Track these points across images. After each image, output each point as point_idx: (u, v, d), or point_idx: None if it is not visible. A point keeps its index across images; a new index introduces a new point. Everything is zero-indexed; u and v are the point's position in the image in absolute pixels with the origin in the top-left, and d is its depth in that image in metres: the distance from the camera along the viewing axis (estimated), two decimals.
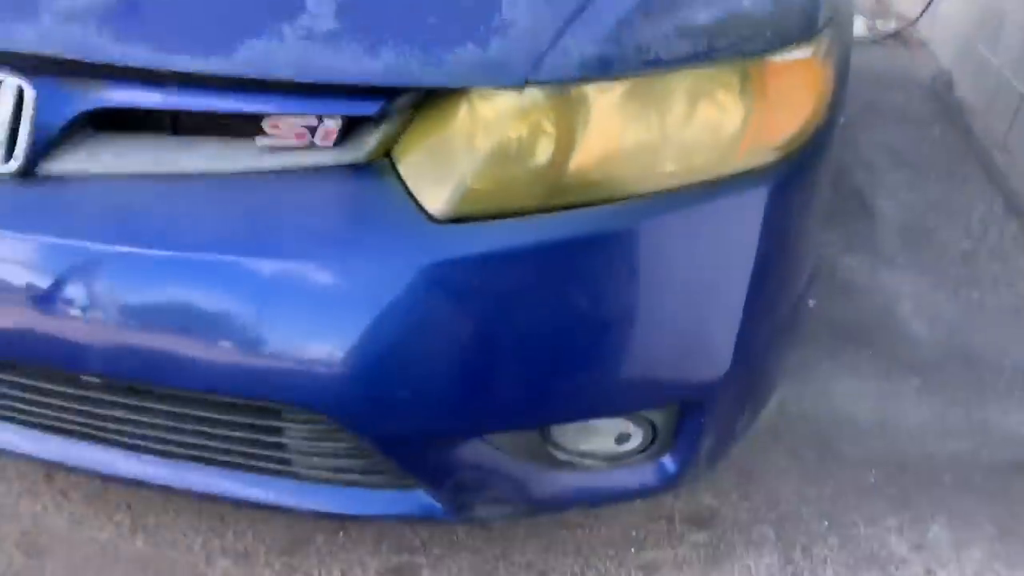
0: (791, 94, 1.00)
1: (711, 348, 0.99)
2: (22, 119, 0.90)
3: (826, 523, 1.42)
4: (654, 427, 1.03)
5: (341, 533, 1.30)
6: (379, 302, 0.85)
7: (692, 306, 0.97)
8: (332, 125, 0.90)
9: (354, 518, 1.08)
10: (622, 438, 1.03)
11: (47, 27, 0.90)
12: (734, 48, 0.95)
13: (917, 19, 5.08)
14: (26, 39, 0.90)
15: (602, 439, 1.03)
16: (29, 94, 0.90)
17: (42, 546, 1.25)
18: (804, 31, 1.03)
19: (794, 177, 1.00)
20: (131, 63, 0.89)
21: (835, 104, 1.11)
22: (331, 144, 0.90)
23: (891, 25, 5.40)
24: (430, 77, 0.87)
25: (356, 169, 0.90)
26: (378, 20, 0.89)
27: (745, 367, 1.04)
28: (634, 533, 1.36)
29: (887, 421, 1.68)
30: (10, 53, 0.90)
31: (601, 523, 1.37)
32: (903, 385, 1.79)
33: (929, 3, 5.00)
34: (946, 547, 1.39)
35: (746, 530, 1.39)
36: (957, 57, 4.34)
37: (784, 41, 1.00)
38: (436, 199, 0.88)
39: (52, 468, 1.27)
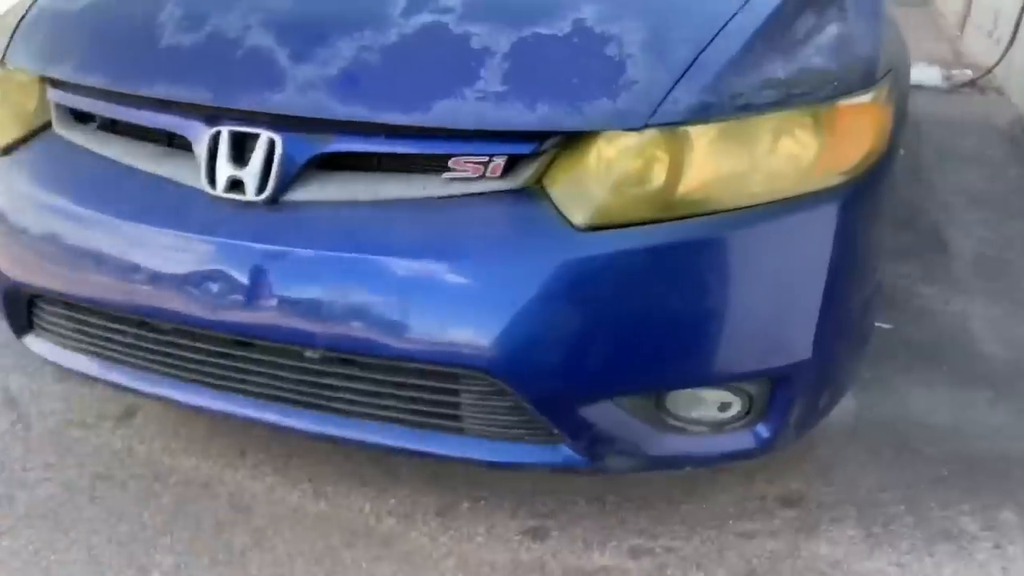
0: (855, 131, 1.25)
1: (795, 331, 1.23)
2: (273, 162, 1.23)
3: (903, 506, 1.60)
4: (751, 398, 1.27)
5: (483, 502, 1.57)
6: (537, 290, 1.14)
7: (778, 297, 1.22)
8: (499, 161, 1.20)
9: (511, 466, 1.33)
10: (724, 407, 1.27)
11: (290, 95, 1.24)
12: (807, 96, 1.22)
13: (993, 68, 5.22)
14: (276, 103, 1.24)
15: (706, 408, 1.27)
16: (278, 143, 1.23)
17: (246, 504, 1.55)
18: (864, 81, 1.29)
19: (859, 196, 1.25)
20: (352, 119, 1.21)
21: (894, 138, 1.35)
22: (498, 175, 1.20)
23: (967, 74, 5.54)
24: (572, 123, 1.17)
25: (517, 193, 1.20)
26: (531, 83, 1.19)
27: (823, 350, 1.27)
28: (732, 509, 1.58)
29: (960, 426, 1.85)
30: (265, 114, 1.24)
31: (703, 501, 1.59)
32: (976, 396, 1.96)
33: (1005, 52, 5.13)
34: (1015, 528, 1.56)
35: (830, 509, 1.59)
36: None
37: (848, 89, 1.26)
38: (578, 214, 1.16)
39: (274, 432, 1.52)
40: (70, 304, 1.40)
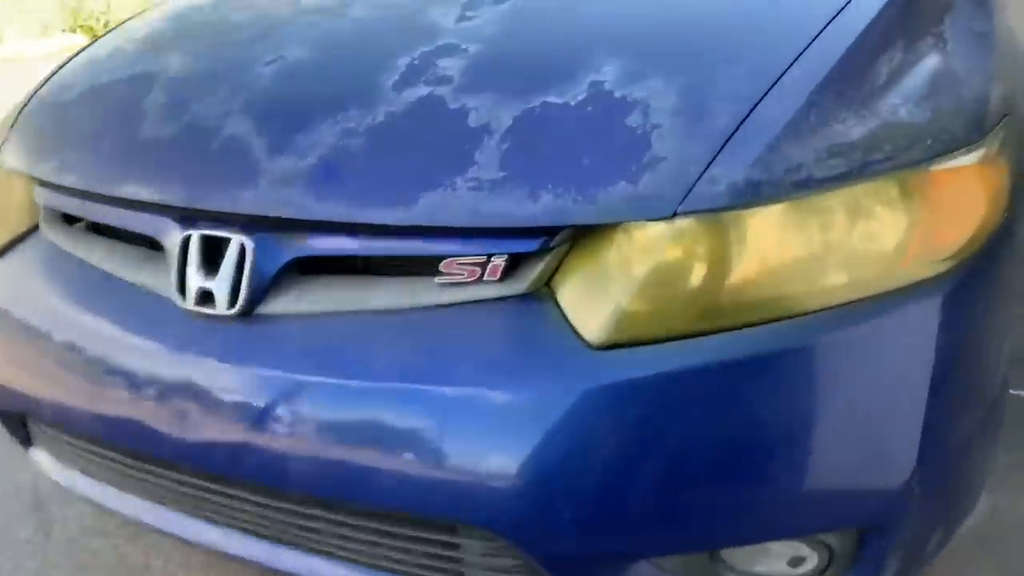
0: (958, 202, 0.97)
1: (887, 470, 0.95)
2: (244, 269, 1.07)
3: None
4: (831, 550, 0.99)
5: None
6: (544, 427, 0.91)
7: (863, 428, 0.94)
8: (499, 261, 0.99)
9: None
10: (796, 561, 1.00)
11: (263, 192, 1.07)
12: (891, 161, 0.95)
13: None
14: (247, 202, 1.08)
15: (774, 561, 1.00)
16: (249, 248, 1.07)
17: None
18: (970, 134, 1.01)
19: (970, 285, 0.96)
20: (329, 218, 1.03)
21: (1015, 204, 1.06)
22: (498, 278, 0.99)
23: None
24: (584, 215, 0.94)
25: (520, 300, 0.98)
26: (536, 166, 0.98)
27: (930, 483, 0.99)
28: None
29: None
30: (236, 214, 1.08)
31: None
32: None
33: None
34: None
35: None
36: None
37: (947, 148, 0.98)
38: (592, 326, 0.93)
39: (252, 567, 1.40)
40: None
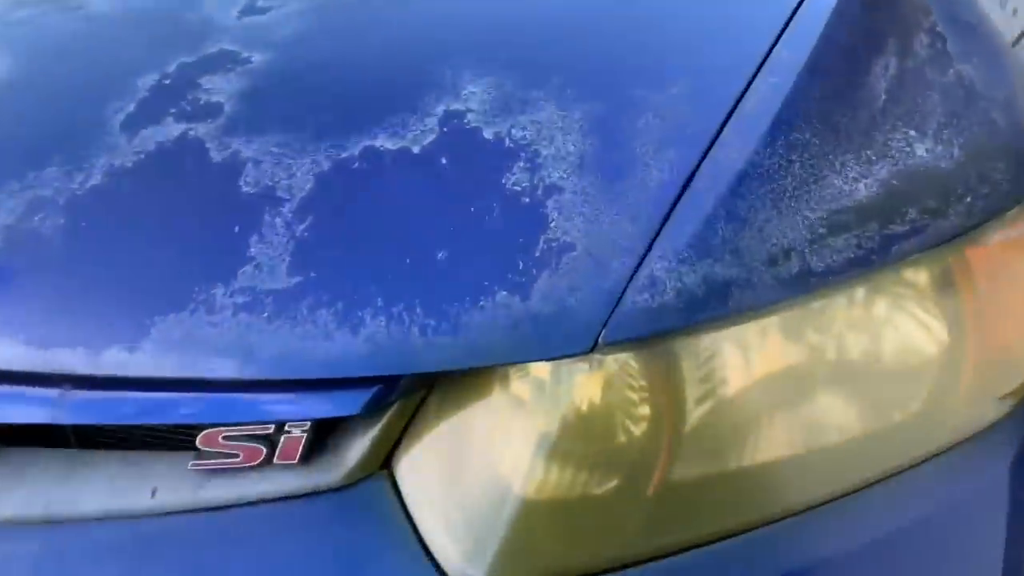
0: (1020, 296, 0.63)
1: None
2: None
3: None
4: None
5: None
6: None
7: None
8: (296, 433, 0.57)
9: None
10: None
11: None
12: (921, 234, 0.60)
13: (1016, 42, 4.62)
14: None
15: None
16: None
17: None
18: (1018, 182, 0.67)
19: None
20: (4, 366, 0.59)
21: None
22: (295, 461, 0.57)
23: None
24: (441, 357, 0.54)
25: (334, 497, 0.57)
26: (356, 266, 0.57)
27: None
28: None
29: None
30: None
31: None
32: None
33: None
34: None
35: None
36: None
37: (993, 206, 0.64)
38: (461, 551, 0.54)
39: None
40: None
